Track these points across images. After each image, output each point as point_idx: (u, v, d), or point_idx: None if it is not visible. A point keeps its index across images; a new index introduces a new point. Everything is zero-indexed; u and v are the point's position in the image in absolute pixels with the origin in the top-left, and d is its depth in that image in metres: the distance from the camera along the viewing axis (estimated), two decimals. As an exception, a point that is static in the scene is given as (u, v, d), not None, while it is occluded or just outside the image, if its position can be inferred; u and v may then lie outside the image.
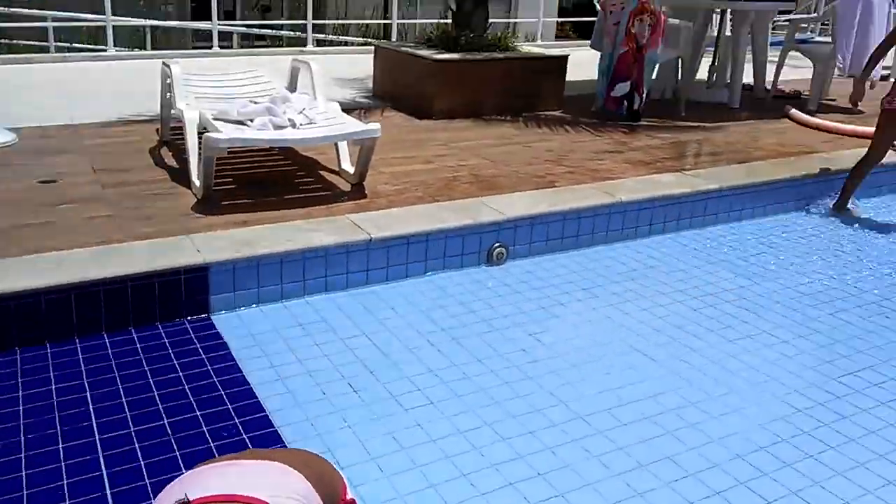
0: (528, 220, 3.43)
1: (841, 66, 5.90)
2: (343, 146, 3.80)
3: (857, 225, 4.09)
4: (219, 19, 8.13)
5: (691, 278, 3.35)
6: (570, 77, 5.89)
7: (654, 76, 5.65)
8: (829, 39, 6.28)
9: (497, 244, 3.35)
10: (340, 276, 3.02)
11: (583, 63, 6.16)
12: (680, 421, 2.27)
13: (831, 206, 4.19)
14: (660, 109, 5.88)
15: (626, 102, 5.45)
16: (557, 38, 13.30)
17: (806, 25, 8.92)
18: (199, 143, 3.37)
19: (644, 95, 5.42)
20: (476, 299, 3.06)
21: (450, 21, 5.98)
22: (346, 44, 9.66)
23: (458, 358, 2.58)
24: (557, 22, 13.52)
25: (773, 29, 8.26)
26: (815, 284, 3.32)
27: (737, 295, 3.19)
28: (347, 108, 5.23)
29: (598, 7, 5.63)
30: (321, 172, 3.94)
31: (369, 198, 3.56)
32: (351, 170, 3.72)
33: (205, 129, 3.36)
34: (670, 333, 2.84)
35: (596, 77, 5.66)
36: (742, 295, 3.19)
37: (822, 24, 9.10)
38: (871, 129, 5.15)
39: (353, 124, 3.52)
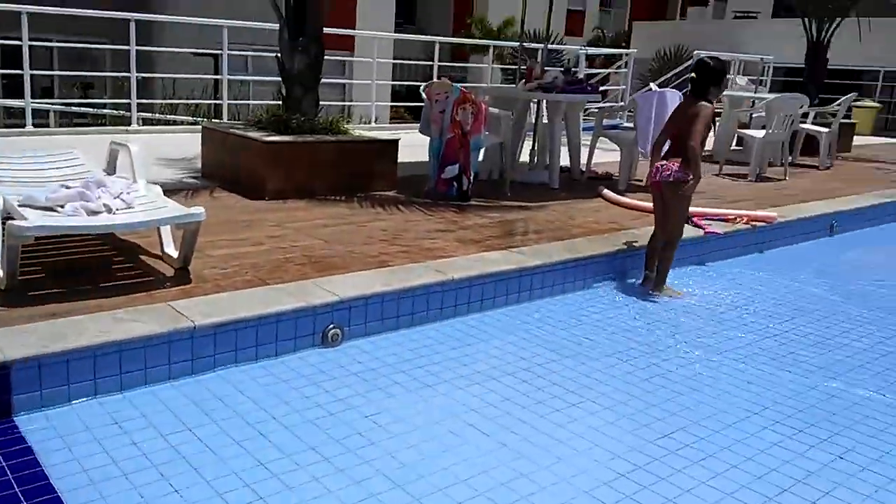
0: (363, 300, 3.43)
1: (643, 150, 6.52)
2: (166, 230, 3.65)
3: (667, 298, 4.44)
4: (34, 96, 7.66)
5: (519, 350, 3.48)
6: (405, 158, 6.08)
7: (480, 159, 5.96)
8: (632, 125, 6.96)
9: (332, 326, 3.32)
10: (162, 367, 2.86)
11: (417, 144, 6.38)
12: (513, 494, 2.31)
13: (648, 288, 4.44)
14: (488, 190, 6.18)
15: (455, 184, 5.68)
16: (393, 119, 13.74)
17: (617, 112, 9.84)
18: (3, 230, 3.11)
19: (472, 177, 5.69)
20: (310, 384, 2.99)
21: (280, 104, 6.01)
22: (174, 122, 9.40)
23: (290, 447, 2.49)
24: (391, 105, 13.99)
25: (588, 116, 9.04)
26: (631, 352, 3.56)
27: (562, 366, 3.34)
28: (174, 190, 5.07)
29: (424, 96, 5.89)
30: (142, 258, 3.75)
31: (195, 283, 3.42)
32: (175, 254, 3.58)
33: (9, 215, 3.12)
34: (501, 407, 2.91)
35: (428, 159, 5.89)
36: (567, 365, 3.35)
37: (629, 111, 10.07)
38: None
39: (174, 208, 3.40)
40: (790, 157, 8.71)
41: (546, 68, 7.05)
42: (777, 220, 5.65)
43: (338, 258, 3.99)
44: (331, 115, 6.23)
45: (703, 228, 5.18)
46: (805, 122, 9.20)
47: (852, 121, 11.83)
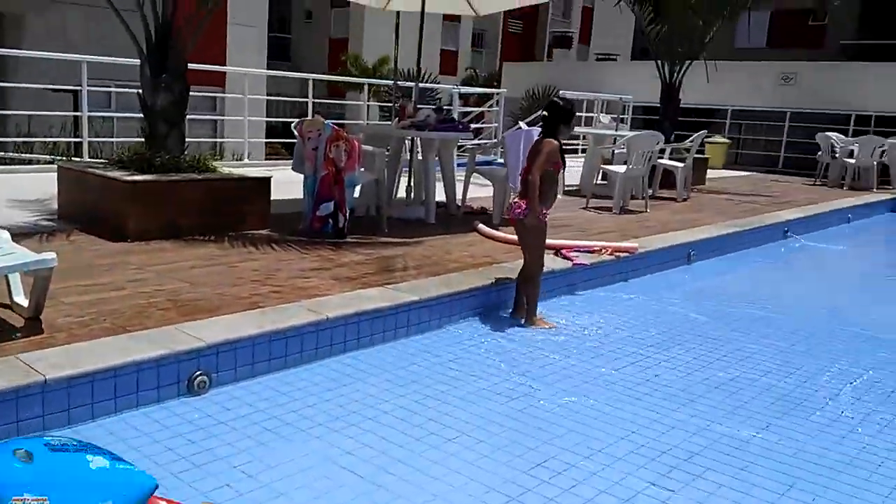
0: (232, 344, 3.32)
1: (514, 186, 6.72)
2: (14, 277, 3.40)
3: (539, 329, 4.55)
4: None
5: (396, 388, 3.46)
6: (280, 195, 5.97)
7: (355, 196, 5.95)
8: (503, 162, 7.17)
9: (198, 373, 3.18)
10: (9, 424, 2.63)
11: (292, 181, 6.29)
12: (388, 536, 2.28)
13: (520, 320, 4.54)
14: (364, 227, 6.17)
15: (331, 221, 5.64)
16: (269, 156, 13.50)
17: (491, 149, 10.11)
18: None
19: (347, 214, 5.67)
20: (174, 436, 2.84)
21: (143, 141, 5.78)
22: (29, 161, 8.83)
23: (151, 504, 2.35)
24: (267, 142, 13.74)
25: (463, 152, 9.24)
26: (506, 384, 3.61)
27: (438, 401, 3.35)
28: (27, 233, 4.75)
29: (296, 133, 5.84)
30: (-12, 307, 3.47)
31: (47, 333, 3.20)
32: (25, 303, 3.33)
33: None
34: (377, 447, 2.87)
35: (302, 196, 5.81)
36: (443, 401, 3.36)
37: (501, 148, 10.38)
38: (547, 242, 5.91)
39: (22, 254, 3.18)
40: (650, 191, 9.23)
41: (420, 107, 7.18)
42: (639, 251, 5.95)
43: (205, 301, 3.85)
44: (201, 153, 6.05)
45: (572, 260, 5.38)
46: (662, 158, 9.80)
47: (705, 156, 12.73)
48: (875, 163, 12.38)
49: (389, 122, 7.54)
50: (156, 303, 3.75)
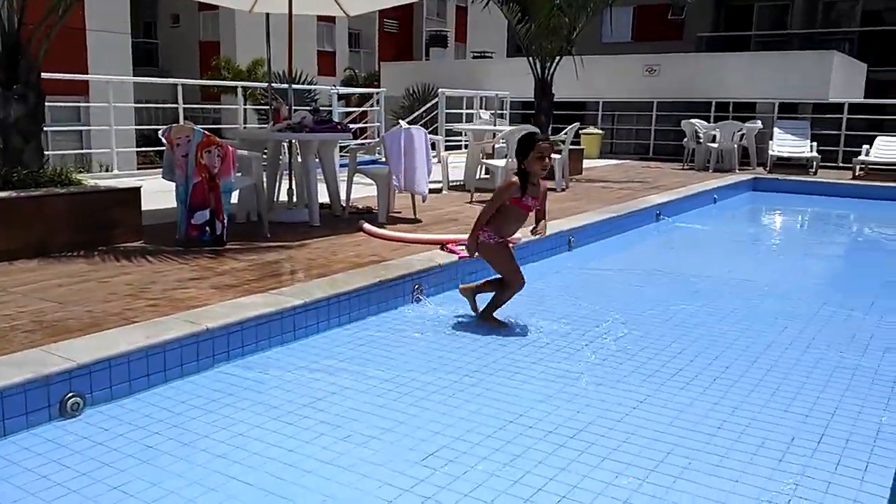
0: (105, 362, 3.16)
1: (397, 184, 6.75)
2: None
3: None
4: None
5: (284, 394, 3.40)
6: (155, 205, 5.72)
7: (234, 202, 5.79)
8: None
9: (70, 394, 3.01)
10: None
11: (167, 190, 6.04)
12: (281, 542, 2.24)
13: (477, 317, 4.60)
14: (245, 233, 6.02)
15: (208, 229, 5.46)
16: (142, 165, 12.92)
17: (375, 148, 10.09)
18: None
19: (226, 221, 5.51)
20: (48, 461, 2.68)
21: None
22: None
23: (22, 537, 2.21)
24: (140, 151, 13.15)
25: (347, 153, 9.16)
26: (396, 380, 3.62)
27: (328, 403, 3.32)
28: None
29: (164, 140, 5.62)
30: None
31: None
32: None
33: None
34: (266, 454, 2.82)
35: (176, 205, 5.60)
36: (333, 402, 3.33)
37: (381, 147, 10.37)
38: (433, 237, 5.97)
39: None
40: (531, 182, 9.47)
41: (296, 108, 7.07)
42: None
43: (74, 320, 3.64)
44: (64, 165, 5.72)
45: (457, 253, 5.45)
46: (541, 150, 10.08)
47: (581, 147, 13.21)
48: (735, 146, 13.22)
49: (266, 126, 7.37)
50: (19, 325, 3.52)
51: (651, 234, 8.27)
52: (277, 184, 7.20)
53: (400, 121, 9.62)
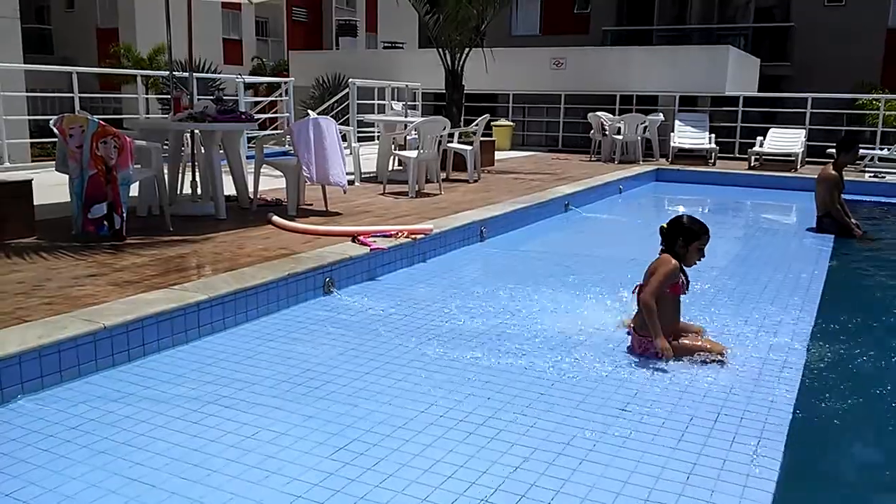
0: (-8, 365, 2.98)
1: (307, 175, 6.64)
2: None
3: (349, 309, 4.55)
4: None
5: (189, 392, 3.30)
6: (50, 199, 5.42)
7: (132, 195, 5.56)
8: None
9: (-47, 401, 2.83)
10: None
11: (64, 184, 5.75)
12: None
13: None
14: (147, 227, 5.80)
15: (106, 223, 5.23)
16: (39, 158, 12.21)
17: (284, 139, 9.90)
18: None
19: (124, 214, 5.29)
20: (-73, 474, 2.51)
21: None
22: None
23: None
24: (35, 143, 12.43)
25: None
26: (306, 374, 3.57)
27: (235, 400, 3.24)
28: None
29: (56, 131, 5.34)
30: None
31: None
32: None
33: None
34: (170, 454, 2.73)
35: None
36: (240, 398, 3.26)
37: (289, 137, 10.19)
38: (344, 229, 5.91)
39: None
40: (443, 174, 9.53)
41: (199, 98, 6.85)
42: (433, 231, 6.13)
43: (-42, 321, 3.42)
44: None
45: (369, 246, 5.42)
46: (452, 142, 10.14)
47: (492, 138, 13.36)
48: (639, 138, 13.66)
49: (166, 116, 7.11)
50: None
51: (560, 223, 8.46)
52: (181, 176, 6.96)
53: (309, 111, 9.48)
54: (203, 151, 6.61)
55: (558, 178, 10.69)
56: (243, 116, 6.67)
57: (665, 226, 4.04)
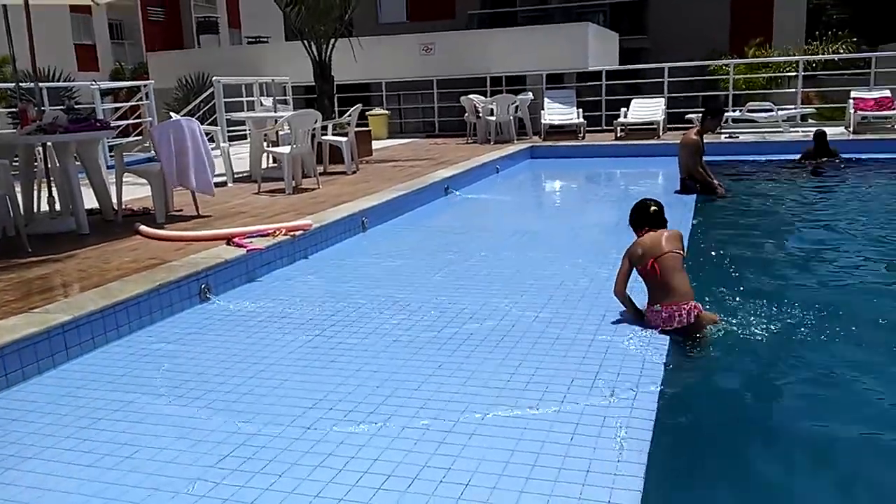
0: None
1: (172, 180, 6.38)
2: None
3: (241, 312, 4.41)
4: None
5: (60, 418, 3.11)
6: None
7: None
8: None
9: None
10: None
11: None
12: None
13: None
14: (3, 250, 5.43)
15: (-47, 250, 4.84)
16: None
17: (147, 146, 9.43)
18: None
19: (-26, 239, 4.91)
20: None
21: None
22: None
23: None
24: None
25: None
26: (188, 384, 3.45)
27: (111, 421, 3.09)
28: None
29: None
30: None
31: None
32: None
33: None
34: (43, 485, 2.57)
35: None
36: (116, 419, 3.11)
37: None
38: (217, 232, 5.73)
39: None
40: (320, 168, 9.41)
41: (52, 108, 6.43)
42: (313, 227, 6.04)
43: None
44: None
45: (245, 247, 5.28)
46: (326, 134, 10.02)
47: (368, 128, 13.29)
48: (511, 118, 13.96)
49: (13, 131, 6.64)
50: None
51: (442, 207, 8.53)
52: (36, 192, 6.53)
53: (172, 113, 9.10)
54: (58, 165, 6.21)
55: (437, 163, 10.77)
56: (98, 124, 6.32)
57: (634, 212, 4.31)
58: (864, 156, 10.86)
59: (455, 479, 2.54)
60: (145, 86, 12.14)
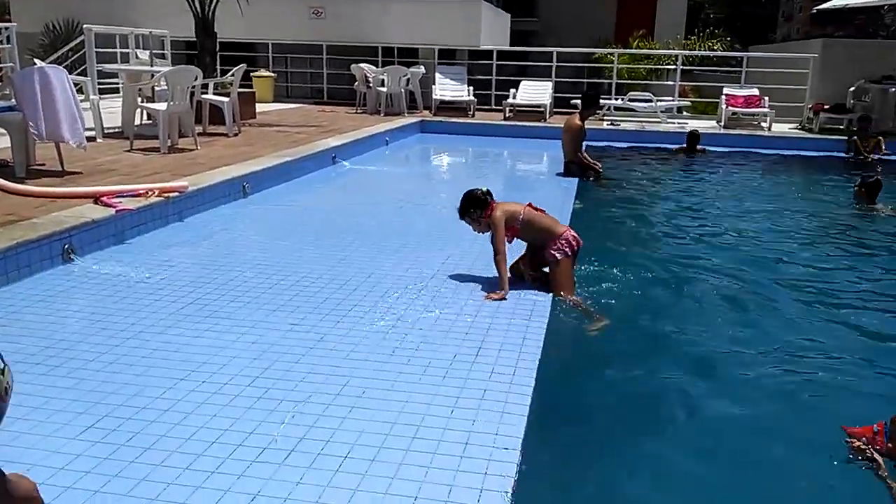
0: None
1: (35, 131, 5.90)
2: None
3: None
4: None
5: None
6: None
7: None
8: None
9: None
10: None
11: None
12: None
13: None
14: None
15: None
16: None
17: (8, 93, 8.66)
18: None
19: None
20: None
21: None
22: None
23: None
24: None
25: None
26: (49, 350, 3.21)
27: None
28: None
29: None
30: None
31: None
32: None
33: None
34: None
35: None
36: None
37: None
38: (84, 189, 5.35)
39: None
40: (199, 128, 8.97)
41: None
42: (189, 189, 5.75)
43: None
44: None
45: (114, 206, 4.96)
46: (207, 93, 9.55)
47: (252, 90, 12.79)
48: (402, 90, 13.83)
49: None
50: None
51: (328, 176, 8.36)
52: None
53: (37, 60, 8.40)
54: None
55: (325, 131, 10.53)
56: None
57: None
58: (730, 149, 11.61)
59: (334, 451, 2.50)
60: (7, 28, 11.11)
